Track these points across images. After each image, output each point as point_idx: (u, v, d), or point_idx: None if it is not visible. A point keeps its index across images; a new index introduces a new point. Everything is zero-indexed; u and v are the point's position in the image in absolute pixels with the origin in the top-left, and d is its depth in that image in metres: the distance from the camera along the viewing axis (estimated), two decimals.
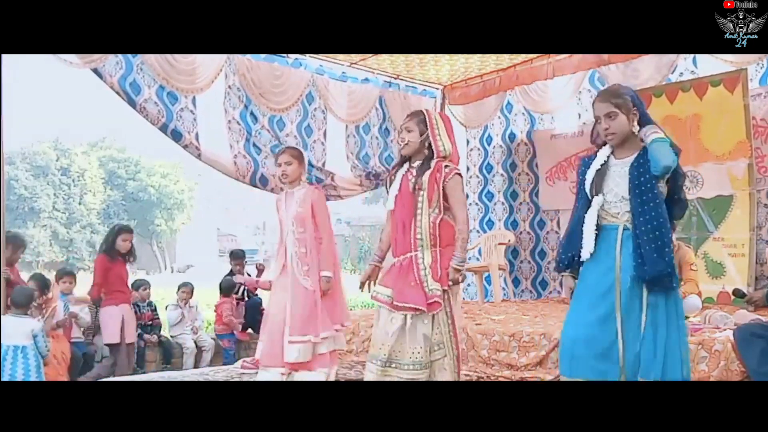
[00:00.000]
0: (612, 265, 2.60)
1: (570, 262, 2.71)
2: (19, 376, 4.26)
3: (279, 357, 3.64)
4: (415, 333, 3.00)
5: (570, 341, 2.66)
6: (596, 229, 2.63)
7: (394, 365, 3.01)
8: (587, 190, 2.68)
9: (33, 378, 4.32)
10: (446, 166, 3.07)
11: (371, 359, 3.09)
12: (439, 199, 3.04)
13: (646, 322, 2.53)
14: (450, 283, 3.00)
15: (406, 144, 3.12)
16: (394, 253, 3.16)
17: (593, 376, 2.55)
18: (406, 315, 3.01)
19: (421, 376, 2.98)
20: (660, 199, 2.55)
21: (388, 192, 3.22)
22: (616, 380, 2.53)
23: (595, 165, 2.68)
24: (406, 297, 3.01)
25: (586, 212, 2.67)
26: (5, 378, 4.20)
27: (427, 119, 3.12)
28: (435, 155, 3.09)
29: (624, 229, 2.61)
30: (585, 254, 2.64)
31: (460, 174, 3.12)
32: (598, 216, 2.64)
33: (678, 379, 2.53)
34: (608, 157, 2.69)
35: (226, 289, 6.27)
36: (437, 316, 3.00)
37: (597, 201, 2.64)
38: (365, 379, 3.18)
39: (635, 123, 2.61)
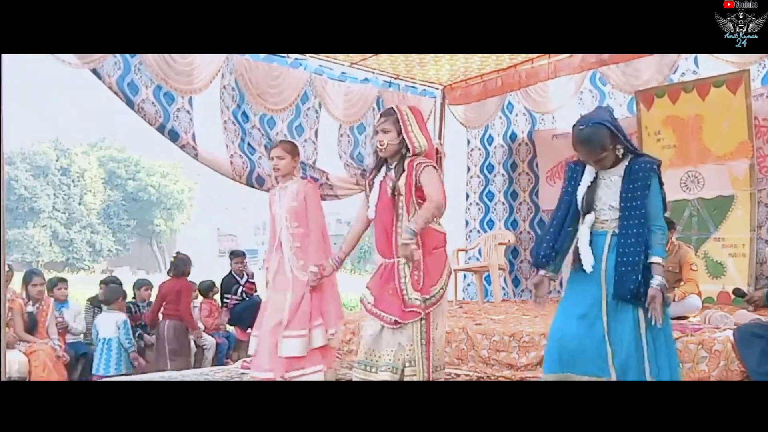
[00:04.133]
0: (598, 270, 2.67)
1: (548, 257, 2.75)
2: (101, 369, 5.01)
3: (268, 362, 3.63)
4: (390, 337, 2.95)
5: (557, 344, 2.71)
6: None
7: (371, 368, 2.97)
8: (579, 207, 2.75)
9: (112, 370, 5.02)
10: (417, 164, 2.96)
11: (356, 364, 3.07)
12: (416, 204, 2.95)
13: (643, 327, 2.60)
14: (402, 259, 2.88)
15: (385, 146, 3.01)
16: (380, 254, 3.09)
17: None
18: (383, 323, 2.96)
19: (394, 378, 2.92)
20: (645, 215, 2.61)
21: (368, 198, 3.15)
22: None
23: (585, 182, 2.75)
24: (384, 305, 2.96)
25: (568, 215, 2.76)
26: (97, 372, 5.02)
27: (399, 117, 3.01)
28: (411, 152, 3.00)
29: (612, 236, 2.68)
30: (587, 267, 2.68)
31: (433, 166, 2.99)
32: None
33: (677, 378, 2.64)
34: (597, 172, 2.76)
35: (204, 290, 6.31)
36: (412, 330, 2.91)
37: (589, 219, 2.72)
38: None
39: (621, 149, 2.68)
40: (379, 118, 3.08)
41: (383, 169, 3.10)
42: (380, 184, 3.07)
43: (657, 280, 2.56)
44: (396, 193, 2.97)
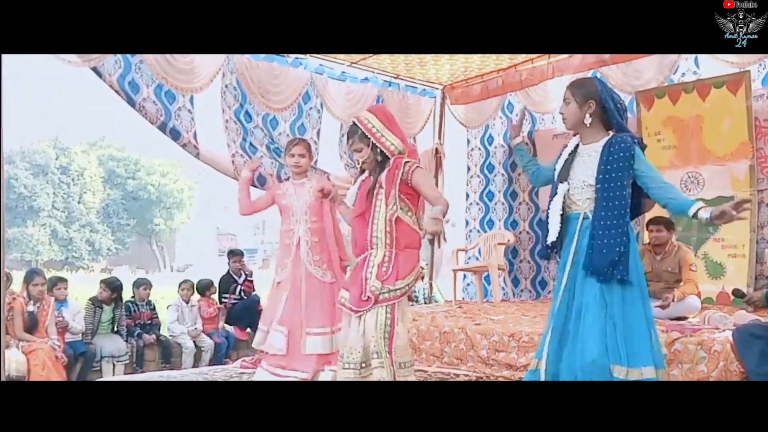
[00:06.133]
0: (568, 253, 2.69)
1: (550, 249, 2.78)
2: None
3: (299, 362, 3.65)
4: (355, 331, 2.96)
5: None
6: (562, 218, 2.71)
7: (343, 365, 3.00)
8: (555, 178, 2.78)
9: None
10: (406, 162, 2.98)
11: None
12: (397, 197, 2.96)
13: (606, 312, 2.56)
14: (429, 236, 2.79)
15: (364, 162, 3.06)
16: (356, 251, 3.12)
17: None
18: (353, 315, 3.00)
19: (352, 376, 2.94)
20: (625, 191, 2.60)
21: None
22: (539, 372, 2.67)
23: (564, 154, 2.78)
24: (350, 295, 3.02)
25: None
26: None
27: (364, 130, 3.02)
28: (390, 155, 3.02)
29: (584, 218, 2.68)
30: (550, 238, 2.72)
31: (420, 167, 3.01)
32: (566, 205, 2.72)
33: (649, 365, 2.54)
34: (576, 145, 2.78)
35: (202, 288, 6.32)
36: (375, 320, 2.91)
37: (562, 188, 2.72)
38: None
39: (588, 115, 2.68)
40: (348, 140, 3.12)
41: (367, 171, 3.15)
42: (362, 182, 3.14)
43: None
44: (377, 186, 3.00)
